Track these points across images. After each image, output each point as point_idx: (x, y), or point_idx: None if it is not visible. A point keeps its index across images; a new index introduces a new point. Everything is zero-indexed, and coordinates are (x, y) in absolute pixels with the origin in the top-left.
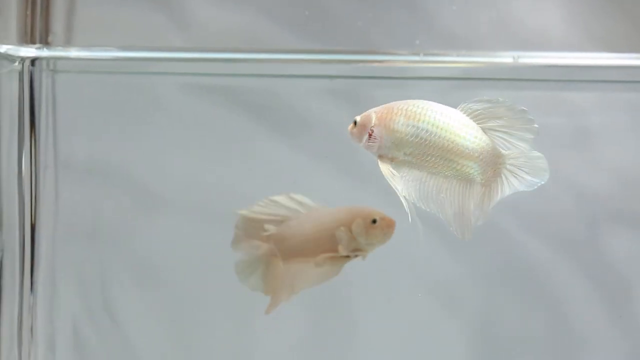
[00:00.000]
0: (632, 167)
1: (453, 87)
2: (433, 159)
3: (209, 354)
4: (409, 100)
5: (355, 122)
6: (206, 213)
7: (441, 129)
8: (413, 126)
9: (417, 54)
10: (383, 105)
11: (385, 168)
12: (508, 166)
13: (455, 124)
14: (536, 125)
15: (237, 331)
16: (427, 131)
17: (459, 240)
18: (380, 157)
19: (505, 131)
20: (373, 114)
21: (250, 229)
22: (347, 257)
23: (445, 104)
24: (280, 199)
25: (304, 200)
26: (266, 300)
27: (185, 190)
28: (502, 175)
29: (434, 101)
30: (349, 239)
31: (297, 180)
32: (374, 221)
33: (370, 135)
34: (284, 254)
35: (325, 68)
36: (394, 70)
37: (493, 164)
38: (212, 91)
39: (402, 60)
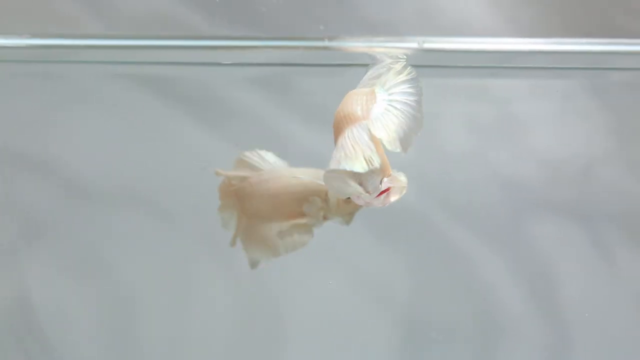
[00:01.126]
0: (558, 155)
1: None
2: None
3: (144, 346)
4: None
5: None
6: (132, 202)
7: None
8: None
9: (322, 40)
10: None
11: None
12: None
13: None
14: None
15: (171, 322)
16: None
17: (387, 231)
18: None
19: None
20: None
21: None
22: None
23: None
24: (251, 155)
25: (274, 160)
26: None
27: (109, 179)
28: None
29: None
30: (319, 210)
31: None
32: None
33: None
34: (246, 212)
35: (249, 55)
36: (324, 57)
37: None
38: (136, 79)
39: (313, 47)
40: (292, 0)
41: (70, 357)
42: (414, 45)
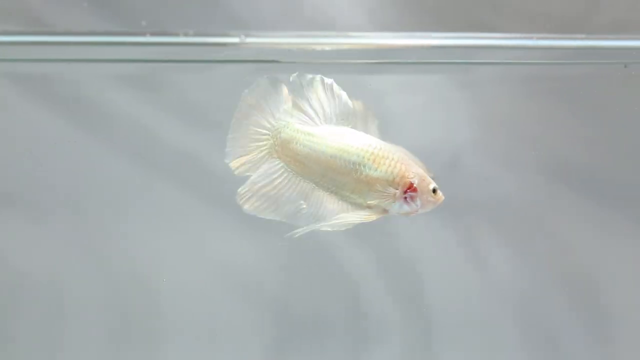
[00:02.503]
0: (429, 147)
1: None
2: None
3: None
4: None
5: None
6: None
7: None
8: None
9: (189, 35)
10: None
11: None
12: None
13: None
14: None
15: (47, 323)
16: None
17: (254, 227)
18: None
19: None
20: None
21: None
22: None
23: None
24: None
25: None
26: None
27: None
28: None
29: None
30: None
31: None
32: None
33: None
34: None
35: (119, 52)
36: (185, 52)
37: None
38: (6, 77)
39: (180, 43)
40: None
41: None
42: (236, 40)
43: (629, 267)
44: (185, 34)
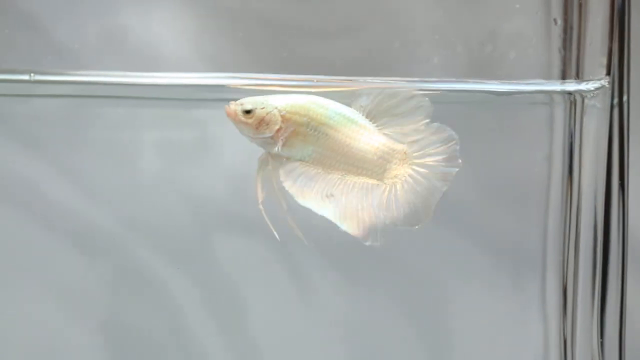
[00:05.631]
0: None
1: (77, 105)
2: (331, 161)
3: None
4: (308, 98)
5: (248, 111)
6: None
7: (341, 132)
8: (316, 129)
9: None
10: (281, 100)
11: (268, 166)
12: (414, 156)
13: (353, 126)
14: (428, 106)
15: None
16: (327, 135)
17: (84, 250)
18: (273, 155)
19: (399, 124)
20: (276, 112)
21: None
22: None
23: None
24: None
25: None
26: None
27: None
28: (411, 169)
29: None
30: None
31: None
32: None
33: (277, 133)
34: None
35: None
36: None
37: (397, 161)
38: None
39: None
40: None
41: None
42: (25, 77)
43: (464, 290)
44: None
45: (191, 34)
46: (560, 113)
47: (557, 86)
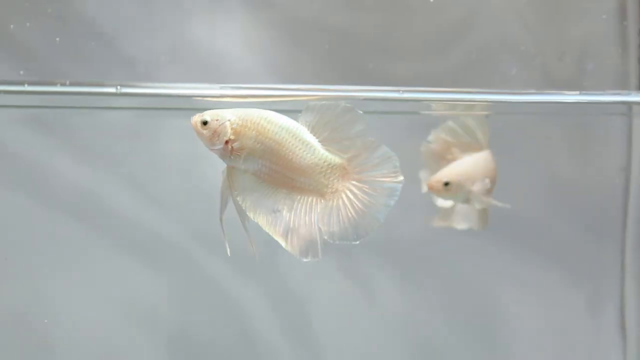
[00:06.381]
0: None
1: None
2: (278, 175)
3: None
4: (260, 113)
5: (205, 122)
6: None
7: (285, 147)
8: (262, 144)
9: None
10: (232, 113)
11: (229, 179)
12: (355, 172)
13: (295, 142)
14: (366, 120)
15: None
16: (272, 150)
17: (150, 258)
18: (230, 168)
19: (338, 139)
20: (228, 124)
21: None
22: None
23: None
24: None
25: None
26: None
27: None
28: (351, 184)
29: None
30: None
31: None
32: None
33: (228, 144)
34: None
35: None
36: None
37: (336, 176)
38: None
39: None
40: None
41: None
42: (113, 89)
43: (525, 304)
44: (62, 84)
45: (263, 46)
46: (639, 123)
47: (635, 97)
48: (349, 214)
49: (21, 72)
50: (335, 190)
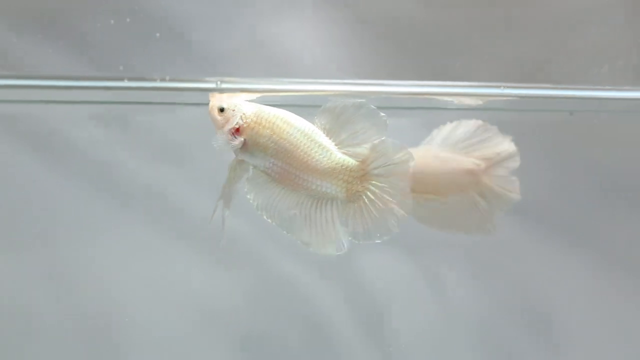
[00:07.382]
0: None
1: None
2: (289, 175)
3: None
4: (276, 112)
5: (222, 110)
6: None
7: (300, 149)
8: (276, 143)
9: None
10: (252, 108)
11: (237, 172)
12: (374, 173)
13: (311, 144)
14: (385, 120)
15: None
16: (286, 150)
17: (222, 265)
18: (239, 161)
19: (356, 141)
20: (242, 116)
21: None
22: None
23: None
24: None
25: None
26: None
27: None
28: (370, 185)
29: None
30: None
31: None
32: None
33: (234, 134)
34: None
35: (91, 94)
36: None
37: (355, 178)
38: None
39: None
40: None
41: None
42: (212, 85)
43: (582, 300)
44: (162, 79)
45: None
46: None
47: None
48: (372, 215)
49: (120, 68)
50: (355, 191)
